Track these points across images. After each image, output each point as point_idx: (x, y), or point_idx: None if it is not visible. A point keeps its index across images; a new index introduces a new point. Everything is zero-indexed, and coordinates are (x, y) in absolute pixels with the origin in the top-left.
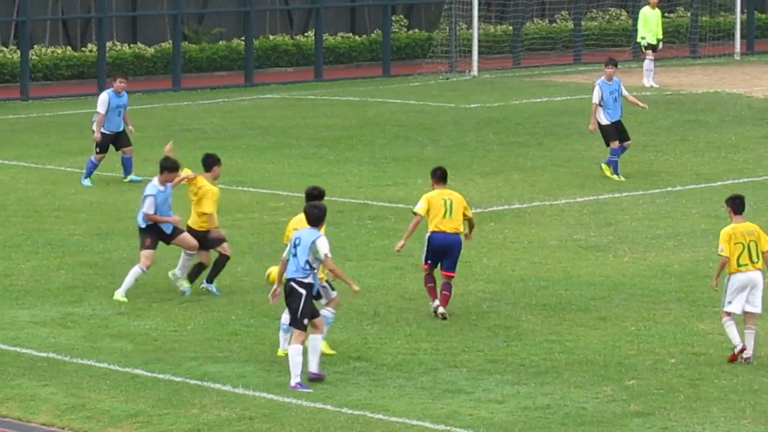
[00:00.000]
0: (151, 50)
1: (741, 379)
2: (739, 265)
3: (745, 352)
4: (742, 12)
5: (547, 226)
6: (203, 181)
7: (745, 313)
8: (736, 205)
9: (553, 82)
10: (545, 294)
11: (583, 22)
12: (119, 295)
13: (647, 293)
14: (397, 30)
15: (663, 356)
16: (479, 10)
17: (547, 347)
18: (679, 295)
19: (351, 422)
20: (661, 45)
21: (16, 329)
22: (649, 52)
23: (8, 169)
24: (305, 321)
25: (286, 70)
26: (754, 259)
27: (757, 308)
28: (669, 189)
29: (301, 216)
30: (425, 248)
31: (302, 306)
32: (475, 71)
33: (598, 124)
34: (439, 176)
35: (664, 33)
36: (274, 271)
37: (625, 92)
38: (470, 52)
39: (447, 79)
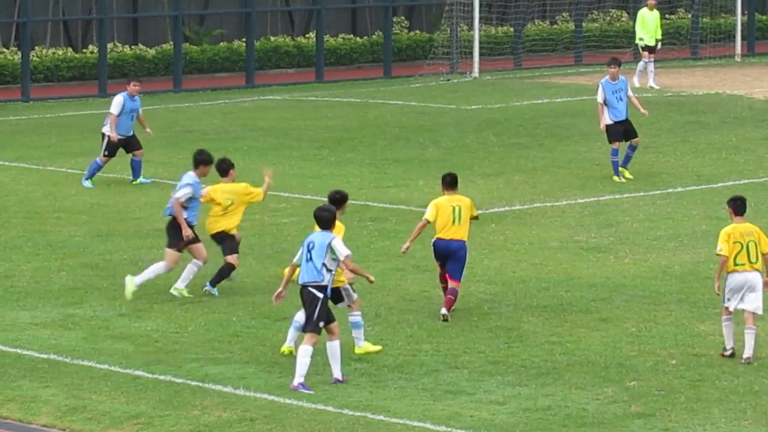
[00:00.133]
0: (152, 51)
1: (742, 380)
2: (735, 265)
3: (744, 352)
4: (742, 13)
5: (548, 227)
6: (249, 187)
7: (744, 312)
8: (737, 206)
9: (554, 84)
10: (546, 295)
11: (584, 24)
12: (134, 285)
13: (648, 294)
14: (398, 31)
15: (664, 357)
16: (480, 11)
17: (548, 348)
18: (679, 296)
19: (352, 424)
20: (659, 45)
21: (17, 331)
22: (646, 53)
23: (9, 171)
24: (321, 324)
25: (287, 71)
26: (753, 259)
27: (757, 309)
28: (670, 190)
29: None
30: (433, 254)
31: (319, 309)
32: (476, 73)
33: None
34: (449, 183)
35: (664, 34)
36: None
37: (630, 93)
38: (471, 53)
39: (448, 80)
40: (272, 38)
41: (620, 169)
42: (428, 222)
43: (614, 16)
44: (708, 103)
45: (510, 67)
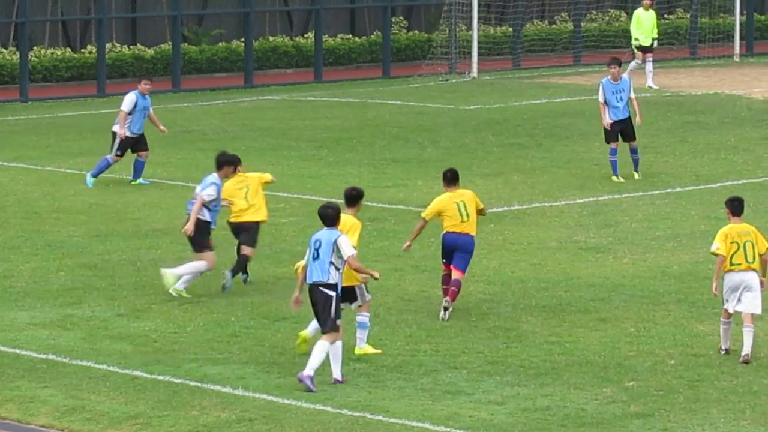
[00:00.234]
0: (150, 51)
1: (740, 380)
2: (732, 264)
3: (743, 350)
4: (741, 13)
5: (546, 227)
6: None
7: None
8: (735, 206)
9: (553, 84)
10: (545, 295)
11: (582, 24)
12: (173, 273)
13: (647, 294)
14: (396, 31)
15: (662, 357)
16: (479, 11)
17: (547, 349)
18: (678, 296)
19: (351, 424)
20: (655, 44)
21: (16, 331)
22: (640, 54)
23: (7, 171)
24: (338, 321)
25: (286, 71)
26: (749, 259)
27: (756, 309)
28: (668, 190)
29: (346, 217)
30: (441, 248)
31: (335, 308)
32: (474, 73)
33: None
34: (450, 179)
35: (663, 34)
36: (301, 265)
37: (632, 95)
38: (470, 53)
39: (447, 80)
40: (271, 38)
41: (633, 172)
42: (425, 221)
43: (613, 16)
44: (707, 103)
45: (509, 67)
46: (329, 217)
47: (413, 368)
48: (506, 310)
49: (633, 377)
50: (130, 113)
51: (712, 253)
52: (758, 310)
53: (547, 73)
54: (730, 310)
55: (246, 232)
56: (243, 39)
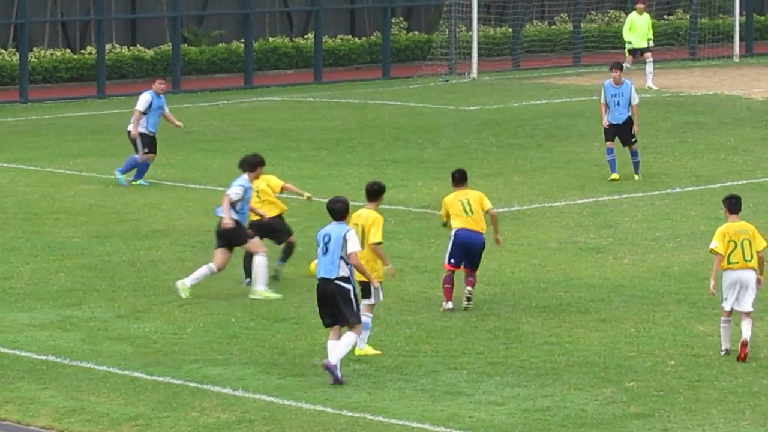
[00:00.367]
0: (150, 52)
1: (740, 380)
2: (729, 263)
3: (742, 336)
4: (741, 14)
5: (546, 228)
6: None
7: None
8: (732, 204)
9: (553, 84)
10: (545, 296)
11: (582, 25)
12: (262, 290)
13: (647, 295)
14: (396, 32)
15: (662, 358)
16: (479, 12)
17: (547, 349)
18: (678, 296)
19: (351, 425)
20: (652, 43)
21: (16, 332)
22: (630, 57)
23: (7, 172)
24: (359, 312)
25: (286, 72)
26: (747, 257)
27: (748, 308)
28: (668, 191)
29: (361, 211)
30: (450, 246)
31: (354, 300)
32: (474, 73)
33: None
34: (458, 179)
35: (663, 35)
36: (314, 265)
37: (633, 101)
38: (470, 54)
39: (446, 81)
40: (271, 39)
41: (633, 174)
42: (443, 223)
43: (612, 16)
44: (706, 104)
45: (508, 67)
46: (338, 211)
47: (413, 369)
48: (506, 310)
49: (633, 378)
50: (144, 112)
51: (710, 251)
52: (749, 308)
53: (546, 74)
54: (727, 308)
55: (273, 228)
56: (243, 40)
